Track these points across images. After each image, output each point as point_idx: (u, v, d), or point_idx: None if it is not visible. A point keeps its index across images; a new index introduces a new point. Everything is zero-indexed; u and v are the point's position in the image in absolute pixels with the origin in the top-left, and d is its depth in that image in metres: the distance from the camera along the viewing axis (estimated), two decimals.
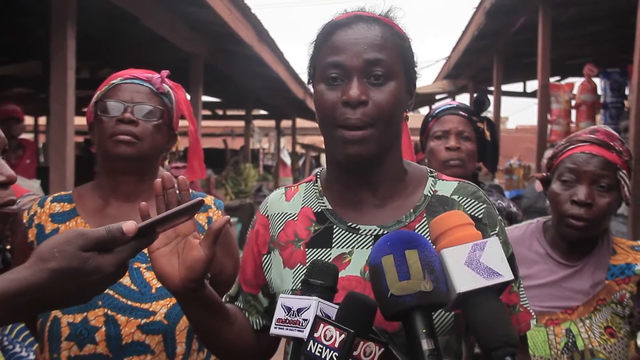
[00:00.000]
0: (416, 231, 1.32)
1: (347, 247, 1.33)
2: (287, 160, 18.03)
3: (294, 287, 1.33)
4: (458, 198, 1.37)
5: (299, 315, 1.12)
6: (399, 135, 1.38)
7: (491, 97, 10.00)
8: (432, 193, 1.37)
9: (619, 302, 1.94)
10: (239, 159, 13.92)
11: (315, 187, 1.42)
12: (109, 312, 1.65)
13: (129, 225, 1.04)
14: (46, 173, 4.73)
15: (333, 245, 1.34)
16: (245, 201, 11.22)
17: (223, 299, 1.42)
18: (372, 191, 1.36)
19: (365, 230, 1.33)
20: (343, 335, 1.05)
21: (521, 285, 1.40)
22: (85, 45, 5.07)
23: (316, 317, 1.09)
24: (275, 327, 1.16)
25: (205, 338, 1.37)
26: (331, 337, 1.06)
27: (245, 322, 1.42)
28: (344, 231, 1.34)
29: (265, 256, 1.41)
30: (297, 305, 1.14)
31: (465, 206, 1.36)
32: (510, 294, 1.36)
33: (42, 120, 13.62)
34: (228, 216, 1.30)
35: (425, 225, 1.33)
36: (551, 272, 2.00)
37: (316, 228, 1.36)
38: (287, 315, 1.14)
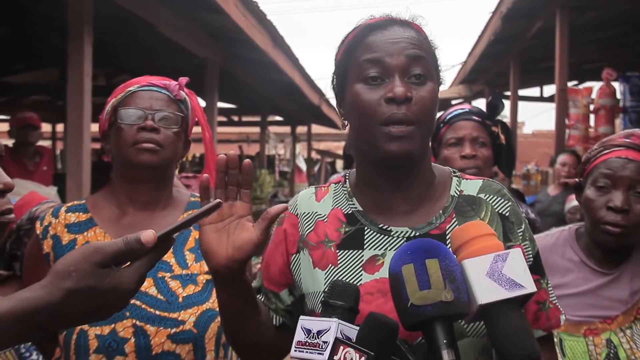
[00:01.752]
0: (447, 232, 1.31)
1: (379, 249, 1.32)
2: (303, 166, 18.04)
3: (325, 289, 1.30)
4: (485, 196, 1.37)
5: (318, 338, 1.10)
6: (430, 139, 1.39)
7: (508, 102, 9.97)
8: (458, 193, 1.37)
9: None
10: (255, 165, 13.95)
11: (345, 189, 1.41)
12: (138, 322, 1.64)
13: (148, 236, 1.00)
14: (63, 180, 4.75)
15: (365, 246, 1.32)
16: (260, 207, 11.23)
17: None
18: (404, 196, 1.35)
19: (397, 232, 1.32)
20: (363, 358, 1.03)
21: (549, 282, 1.39)
22: (101, 52, 5.10)
23: (336, 339, 1.07)
24: (295, 350, 1.13)
25: (232, 326, 1.35)
26: None
27: (267, 316, 1.41)
28: (375, 233, 1.33)
29: (294, 255, 1.38)
30: (316, 328, 1.11)
31: (492, 204, 1.36)
32: (540, 291, 1.34)
33: (60, 127, 13.75)
34: (286, 204, 1.30)
35: (455, 225, 1.32)
36: (587, 281, 1.93)
37: (347, 229, 1.35)
38: (307, 337, 1.12)
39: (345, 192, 1.40)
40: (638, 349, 1.83)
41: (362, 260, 1.31)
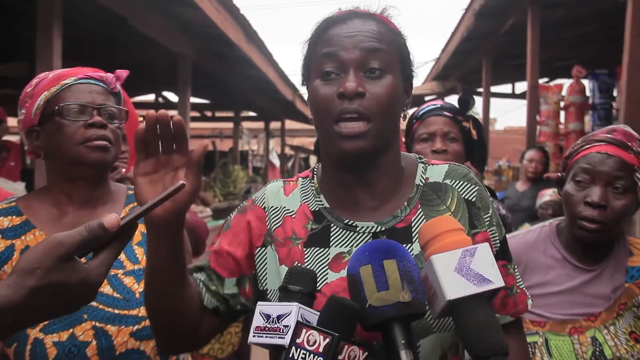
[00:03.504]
0: (413, 224, 1.30)
1: (345, 246, 1.30)
2: (276, 162, 17.98)
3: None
4: (450, 182, 1.35)
5: (279, 322, 1.09)
6: (397, 133, 1.36)
7: (480, 99, 10.06)
8: (423, 182, 1.35)
9: None
10: (228, 161, 13.88)
11: (312, 184, 1.39)
12: (97, 324, 1.59)
13: (111, 220, 0.96)
14: (31, 175, 4.67)
15: (331, 244, 1.30)
16: (234, 203, 11.16)
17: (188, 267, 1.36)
18: (369, 192, 1.33)
19: (362, 227, 1.30)
20: (327, 340, 1.03)
21: (516, 267, 1.39)
22: (72, 46, 5.02)
23: (298, 322, 1.06)
24: (254, 336, 1.12)
25: (156, 293, 1.26)
26: (315, 342, 1.03)
27: (196, 294, 1.33)
28: (341, 229, 1.31)
29: (259, 249, 1.35)
30: (276, 312, 1.11)
31: (458, 189, 1.34)
32: (507, 276, 1.34)
33: None
34: (207, 142, 1.23)
35: (421, 216, 1.31)
36: (569, 278, 1.91)
37: (313, 227, 1.33)
38: (266, 322, 1.11)
39: (313, 188, 1.38)
40: (622, 345, 1.83)
41: (328, 259, 1.29)
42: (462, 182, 1.35)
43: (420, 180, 1.36)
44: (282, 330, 1.08)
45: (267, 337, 1.10)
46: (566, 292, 1.90)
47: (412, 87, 1.38)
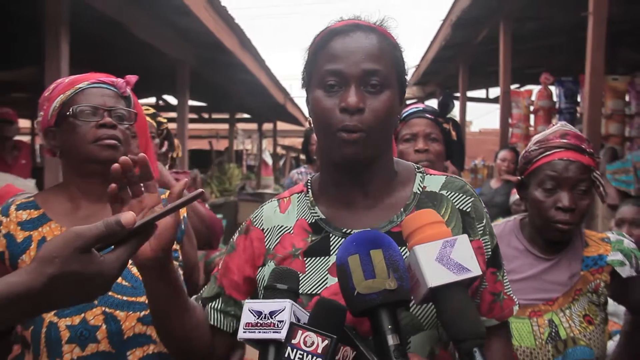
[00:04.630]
0: None
1: None
2: (269, 160, 17.96)
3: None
4: (446, 193, 1.34)
5: (272, 318, 1.07)
6: (391, 140, 1.36)
7: (457, 103, 10.10)
8: (421, 190, 1.34)
9: (594, 291, 1.93)
10: (224, 160, 13.87)
11: (307, 198, 1.37)
12: (107, 309, 1.59)
13: (128, 217, 0.95)
14: (41, 173, 4.64)
15: (331, 252, 1.29)
16: (229, 199, 11.18)
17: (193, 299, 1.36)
18: (364, 191, 1.32)
19: None
20: (327, 341, 1.01)
21: (505, 275, 1.38)
22: (78, 52, 4.99)
23: (292, 324, 1.04)
24: (245, 332, 1.09)
25: (161, 321, 1.28)
26: (312, 343, 1.01)
27: (202, 319, 1.33)
28: (340, 238, 1.29)
29: (260, 268, 1.34)
30: (268, 309, 1.08)
31: (453, 201, 1.33)
32: (496, 283, 1.33)
33: None
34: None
35: None
36: (531, 266, 1.98)
37: (313, 238, 1.31)
38: (257, 319, 1.08)
39: (308, 201, 1.36)
40: (576, 327, 1.89)
41: (328, 265, 1.28)
42: (458, 194, 1.34)
43: (418, 188, 1.34)
44: (277, 325, 1.06)
45: (260, 332, 1.07)
46: (528, 279, 1.95)
47: (405, 94, 1.37)
